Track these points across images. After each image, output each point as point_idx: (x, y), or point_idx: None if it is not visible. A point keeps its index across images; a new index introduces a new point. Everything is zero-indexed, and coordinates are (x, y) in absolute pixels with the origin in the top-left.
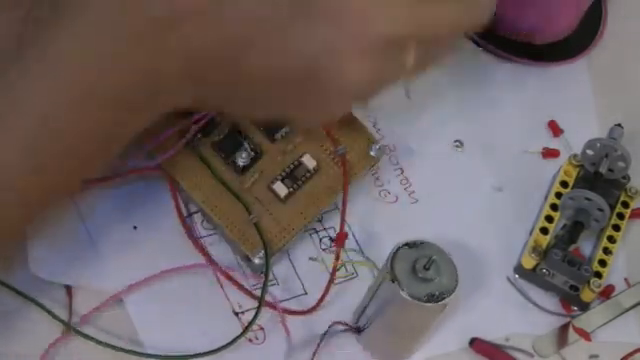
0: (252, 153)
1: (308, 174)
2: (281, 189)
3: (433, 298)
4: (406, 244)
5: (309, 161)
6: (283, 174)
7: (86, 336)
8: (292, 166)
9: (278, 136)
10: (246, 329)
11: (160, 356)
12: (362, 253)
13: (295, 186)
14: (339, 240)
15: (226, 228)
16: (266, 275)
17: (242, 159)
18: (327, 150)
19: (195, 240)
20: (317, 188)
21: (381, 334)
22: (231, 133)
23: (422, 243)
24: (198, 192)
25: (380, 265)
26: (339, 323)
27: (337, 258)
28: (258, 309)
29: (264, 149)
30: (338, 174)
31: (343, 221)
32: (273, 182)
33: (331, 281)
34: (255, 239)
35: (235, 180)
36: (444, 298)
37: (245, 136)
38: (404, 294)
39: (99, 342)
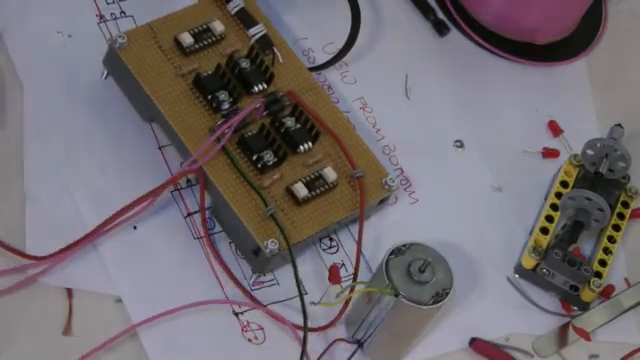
0: (275, 158)
1: (327, 186)
2: (301, 190)
3: (437, 297)
4: (394, 252)
5: (330, 173)
6: (304, 180)
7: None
8: (313, 176)
9: (301, 149)
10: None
11: None
12: (364, 256)
13: (314, 193)
14: (355, 272)
15: (241, 217)
16: (293, 262)
17: (267, 158)
18: (345, 172)
19: (205, 236)
20: (333, 202)
21: (384, 341)
22: (259, 134)
23: (410, 246)
24: (220, 180)
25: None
26: (341, 340)
27: (352, 290)
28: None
29: (287, 157)
30: (353, 195)
31: (359, 251)
32: (293, 184)
33: (343, 310)
34: (268, 231)
35: (255, 178)
36: (447, 294)
37: (272, 140)
38: (409, 303)
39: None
